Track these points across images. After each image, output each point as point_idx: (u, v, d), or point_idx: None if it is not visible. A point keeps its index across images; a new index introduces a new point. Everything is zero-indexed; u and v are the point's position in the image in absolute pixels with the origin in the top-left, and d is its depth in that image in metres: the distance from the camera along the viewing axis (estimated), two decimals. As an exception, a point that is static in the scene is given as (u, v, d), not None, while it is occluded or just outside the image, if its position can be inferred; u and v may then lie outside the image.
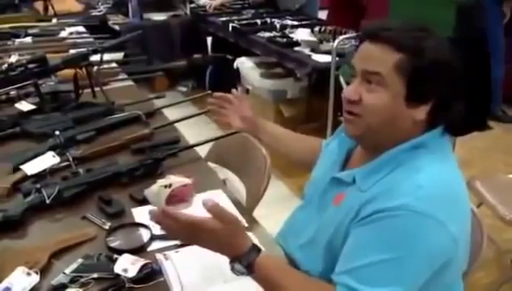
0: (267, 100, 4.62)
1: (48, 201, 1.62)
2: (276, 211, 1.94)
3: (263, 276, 1.20)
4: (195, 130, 2.62)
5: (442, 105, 1.21)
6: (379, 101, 1.19)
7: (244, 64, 4.81)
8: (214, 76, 5.76)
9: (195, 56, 5.78)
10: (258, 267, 1.19)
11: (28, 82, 2.34)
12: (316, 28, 4.22)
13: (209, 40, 5.87)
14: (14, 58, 2.97)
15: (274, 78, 4.51)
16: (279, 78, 4.50)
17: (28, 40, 3.92)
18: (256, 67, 4.69)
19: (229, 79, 5.40)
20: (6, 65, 2.35)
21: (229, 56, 5.56)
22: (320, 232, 1.34)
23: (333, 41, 3.86)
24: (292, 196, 3.28)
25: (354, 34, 3.94)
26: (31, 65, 2.34)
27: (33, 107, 2.45)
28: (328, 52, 3.86)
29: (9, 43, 3.77)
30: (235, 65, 4.91)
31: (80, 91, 2.49)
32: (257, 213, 2.04)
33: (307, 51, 4.01)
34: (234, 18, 5.23)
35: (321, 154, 1.65)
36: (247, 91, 5.08)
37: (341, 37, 3.81)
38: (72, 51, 3.59)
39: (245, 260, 1.19)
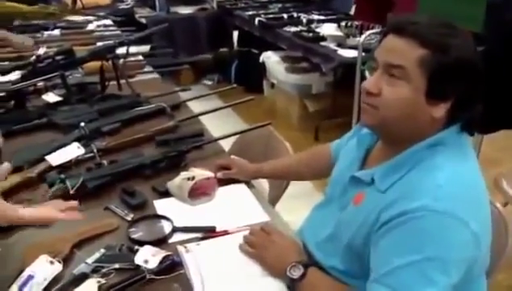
0: (292, 95, 4.62)
1: (71, 192, 1.63)
2: (299, 206, 1.93)
3: (314, 280, 1.29)
4: (219, 123, 2.62)
5: (462, 104, 1.19)
6: (399, 95, 1.17)
7: (270, 58, 4.81)
8: (239, 70, 5.77)
9: (221, 49, 5.80)
10: (311, 273, 1.30)
11: (55, 74, 2.36)
12: (343, 23, 4.19)
13: (235, 33, 5.88)
14: (42, 50, 3.01)
15: (299, 72, 4.49)
16: (304, 72, 4.49)
17: (57, 32, 3.96)
18: (281, 61, 4.69)
19: (255, 73, 5.41)
20: (34, 57, 2.37)
21: (255, 51, 5.56)
22: (340, 231, 1.33)
23: (360, 36, 3.83)
24: (315, 191, 3.27)
25: (380, 29, 3.90)
26: (58, 57, 2.36)
27: (59, 98, 2.48)
28: (354, 47, 3.83)
29: (38, 35, 3.81)
30: (261, 59, 4.90)
31: (106, 83, 2.51)
32: (279, 207, 2.04)
33: (333, 46, 3.99)
34: (261, 12, 5.23)
35: (334, 156, 1.65)
36: (272, 85, 5.09)
37: (367, 32, 3.78)
38: (99, 44, 3.62)
39: (302, 265, 1.31)
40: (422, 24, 1.18)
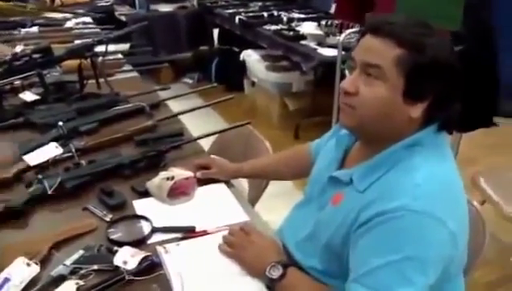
0: (272, 93, 4.62)
1: (49, 192, 1.62)
2: (278, 205, 1.93)
3: (294, 281, 1.30)
4: (199, 122, 2.61)
5: (439, 104, 1.20)
6: (376, 94, 1.18)
7: (250, 56, 4.81)
8: (220, 68, 5.76)
9: (201, 48, 5.78)
10: (290, 273, 1.31)
11: (32, 73, 2.33)
12: (323, 22, 4.21)
13: (215, 31, 5.87)
14: (19, 48, 2.98)
15: (279, 71, 4.50)
16: (284, 71, 4.50)
17: (34, 29, 3.92)
18: (262, 60, 4.69)
19: (235, 72, 5.40)
20: (10, 55, 2.34)
21: (235, 49, 5.56)
22: (319, 230, 1.34)
23: (340, 35, 3.85)
24: (295, 189, 3.28)
25: (360, 28, 3.92)
26: (35, 55, 2.34)
27: (37, 97, 2.44)
28: (334, 46, 3.85)
29: (15, 32, 3.76)
30: (241, 57, 4.90)
31: (84, 82, 2.49)
32: (259, 207, 2.04)
33: (313, 44, 4.00)
34: (241, 10, 5.22)
35: (314, 155, 1.66)
36: (253, 84, 5.09)
37: (347, 31, 3.80)
38: (77, 41, 3.59)
39: (281, 265, 1.31)
40: (399, 24, 1.19)
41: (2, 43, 3.26)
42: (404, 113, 1.19)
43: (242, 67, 5.09)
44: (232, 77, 5.51)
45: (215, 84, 3.03)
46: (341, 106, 1.26)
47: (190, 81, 5.70)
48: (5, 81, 2.31)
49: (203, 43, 5.75)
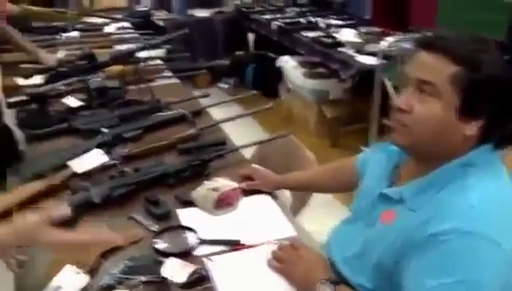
0: (309, 100, 4.60)
1: (96, 201, 1.62)
2: (319, 215, 1.92)
3: None
4: (237, 128, 2.60)
5: (495, 121, 1.16)
6: (431, 112, 1.15)
7: (287, 63, 4.79)
8: (256, 73, 5.76)
9: (238, 53, 5.79)
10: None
11: (77, 78, 2.36)
12: (362, 29, 4.17)
13: (251, 37, 5.87)
14: (61, 53, 3.02)
15: (316, 78, 4.48)
16: (321, 78, 4.47)
17: (75, 34, 3.97)
18: (299, 66, 4.67)
19: (271, 77, 5.40)
20: (55, 62, 2.38)
21: (271, 54, 5.55)
22: (368, 248, 1.31)
23: (379, 43, 3.81)
24: (335, 200, 3.25)
25: (401, 36, 3.87)
26: (79, 62, 2.36)
27: (80, 103, 2.47)
28: (373, 54, 3.81)
29: (56, 37, 3.82)
30: (278, 63, 4.88)
31: (126, 88, 2.51)
32: (300, 217, 2.03)
33: (351, 52, 3.96)
34: (278, 16, 5.22)
35: (361, 170, 1.63)
36: (289, 90, 5.08)
37: (387, 39, 3.76)
38: (117, 46, 3.63)
39: (331, 283, 1.29)
40: (453, 40, 1.16)
41: (45, 48, 3.30)
42: (458, 131, 1.16)
43: (278, 73, 5.08)
44: (268, 82, 5.50)
45: (254, 92, 3.00)
46: (393, 124, 1.24)
47: (226, 86, 5.71)
48: (50, 87, 2.34)
49: (239, 48, 5.75)
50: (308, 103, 4.64)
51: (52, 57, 2.72)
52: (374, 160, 1.53)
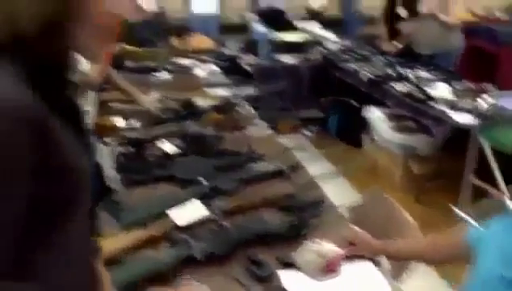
0: (396, 154, 4.49)
1: (198, 257, 1.60)
2: (417, 283, 1.82)
3: None
4: (333, 185, 2.55)
5: None
6: None
7: (374, 114, 4.72)
8: (339, 121, 5.70)
9: (322, 99, 5.75)
10: None
11: (175, 125, 2.38)
12: (457, 86, 4.05)
13: (337, 84, 5.82)
14: (154, 95, 3.08)
15: (405, 132, 4.37)
16: (410, 132, 4.36)
17: (166, 75, 4.06)
18: (386, 119, 4.58)
19: (355, 126, 5.33)
20: (158, 108, 2.41)
21: (354, 103, 5.49)
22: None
23: (474, 100, 3.69)
24: (432, 271, 3.09)
25: (496, 94, 3.74)
26: (179, 108, 2.39)
27: (175, 148, 2.49)
28: (467, 111, 3.68)
29: (148, 77, 3.92)
30: (364, 114, 4.81)
31: (221, 135, 2.52)
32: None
33: (444, 108, 3.83)
34: (365, 66, 5.16)
35: (473, 246, 1.53)
36: (372, 140, 4.99)
37: (483, 96, 3.63)
38: (207, 89, 3.68)
39: None
40: None
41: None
42: None
43: (362, 122, 5.01)
44: (352, 131, 5.44)
45: (339, 142, 2.91)
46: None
47: (309, 133, 5.66)
48: (148, 131, 2.37)
49: (323, 95, 5.72)
50: (394, 156, 4.53)
51: (150, 100, 2.77)
52: (495, 240, 1.43)
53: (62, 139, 0.92)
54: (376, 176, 4.67)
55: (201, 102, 2.52)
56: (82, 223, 1.02)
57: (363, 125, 5.05)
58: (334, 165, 4.55)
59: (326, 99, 5.80)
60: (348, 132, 5.46)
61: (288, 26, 7.81)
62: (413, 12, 5.41)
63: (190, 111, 2.41)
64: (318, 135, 5.63)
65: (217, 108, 2.46)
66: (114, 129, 2.62)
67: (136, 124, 2.60)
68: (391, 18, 5.96)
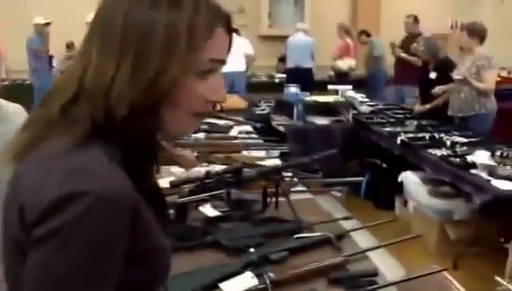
0: (431, 218, 4.42)
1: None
2: None
3: None
4: (375, 253, 2.49)
5: None
6: None
7: (409, 178, 4.67)
8: (369, 183, 5.67)
9: (353, 161, 5.74)
10: None
11: (221, 191, 2.36)
12: (498, 152, 4.01)
13: (367, 146, 5.82)
14: (192, 154, 3.08)
15: (442, 197, 4.31)
16: (447, 197, 4.30)
17: (201, 135, 4.08)
18: (422, 184, 4.53)
19: (385, 189, 5.29)
20: (203, 172, 2.41)
21: (385, 165, 5.47)
22: None
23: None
24: None
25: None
26: (226, 175, 2.38)
27: (218, 213, 2.47)
28: (508, 178, 3.63)
29: (185, 137, 3.92)
30: (399, 178, 4.77)
31: (266, 201, 2.49)
32: None
33: (484, 175, 3.78)
34: (399, 129, 5.15)
35: None
36: (404, 204, 4.94)
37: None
38: (244, 152, 3.68)
39: None
40: None
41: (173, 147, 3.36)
42: None
43: (393, 185, 4.96)
44: (382, 194, 5.39)
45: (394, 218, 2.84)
46: None
47: (339, 194, 5.63)
48: (195, 197, 2.36)
49: (354, 156, 5.70)
50: (429, 221, 4.46)
51: (195, 164, 2.77)
52: None
53: (149, 221, 0.92)
54: (411, 240, 4.58)
55: (246, 169, 2.50)
56: None
57: (395, 188, 5.01)
58: (370, 230, 4.48)
59: (356, 161, 5.79)
60: (378, 194, 5.42)
61: (315, 86, 7.92)
62: (445, 76, 5.45)
63: (238, 178, 2.39)
64: (348, 197, 5.59)
65: (264, 175, 2.44)
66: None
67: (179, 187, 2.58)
68: (423, 81, 6.03)
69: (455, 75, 5.21)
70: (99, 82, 0.88)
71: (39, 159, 0.86)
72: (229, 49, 1.01)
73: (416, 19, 7.94)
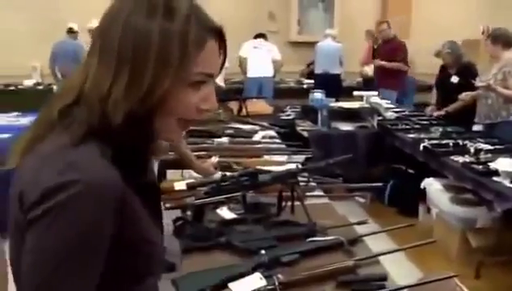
0: (453, 226, 4.39)
1: (259, 332, 1.59)
2: None
3: None
4: (390, 261, 2.50)
5: None
6: None
7: (431, 185, 4.65)
8: (393, 190, 5.65)
9: (377, 167, 5.72)
10: None
11: (237, 194, 2.41)
12: (519, 158, 3.98)
13: (392, 152, 5.80)
14: (214, 159, 3.13)
15: (464, 204, 4.28)
16: (469, 205, 4.27)
17: (225, 140, 4.12)
18: (445, 190, 4.50)
19: (409, 195, 5.27)
20: (219, 175, 2.46)
21: (410, 171, 5.44)
22: None
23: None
24: None
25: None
26: (242, 178, 2.42)
27: (234, 216, 2.51)
28: (531, 186, 3.60)
29: (208, 142, 3.99)
30: (422, 185, 4.75)
31: (281, 205, 2.52)
32: None
33: (507, 182, 3.75)
34: (423, 135, 5.13)
35: None
36: (428, 210, 4.92)
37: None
38: (266, 157, 3.71)
39: None
40: None
41: (197, 152, 3.41)
42: None
43: (417, 191, 4.94)
44: (406, 200, 5.37)
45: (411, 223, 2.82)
46: None
47: (363, 200, 5.62)
48: (211, 199, 2.41)
49: (378, 163, 5.69)
50: (451, 228, 4.43)
51: (211, 169, 2.83)
52: None
53: (137, 212, 1.00)
54: (432, 247, 4.55)
55: (263, 173, 2.54)
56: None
57: (419, 195, 4.99)
58: (390, 236, 4.47)
59: (381, 167, 5.77)
60: (402, 200, 5.41)
61: (343, 92, 7.92)
62: (467, 81, 5.44)
63: (253, 182, 2.43)
64: (372, 203, 5.58)
65: (279, 178, 2.48)
66: (173, 194, 2.66)
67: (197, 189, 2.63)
68: (443, 85, 6.05)
69: (478, 82, 5.18)
70: (97, 91, 0.96)
71: (39, 155, 0.96)
72: (223, 62, 1.09)
73: (389, 25, 8.16)
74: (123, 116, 0.95)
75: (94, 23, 8.20)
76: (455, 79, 5.82)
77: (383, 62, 7.88)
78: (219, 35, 1.04)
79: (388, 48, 7.99)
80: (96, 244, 0.92)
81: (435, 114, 6.05)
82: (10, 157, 1.02)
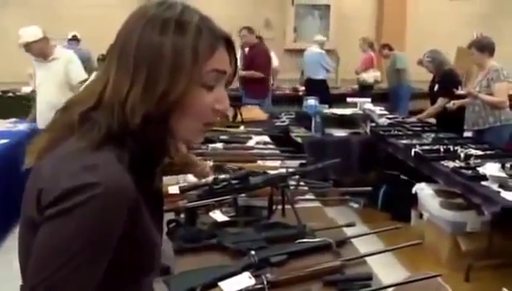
0: (443, 230, 4.46)
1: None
2: None
3: None
4: (380, 263, 2.56)
5: None
6: None
7: (423, 190, 4.72)
8: (386, 195, 5.72)
9: (370, 172, 5.79)
10: None
11: (229, 197, 2.47)
12: (508, 164, 4.04)
13: (385, 158, 5.87)
14: (210, 163, 3.20)
15: (454, 208, 4.35)
16: (459, 209, 4.34)
17: (219, 145, 4.18)
18: (435, 195, 4.57)
19: (402, 200, 5.33)
20: (211, 179, 2.52)
21: (404, 177, 5.50)
22: None
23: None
24: None
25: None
26: (233, 181, 2.48)
27: (227, 218, 2.57)
28: (518, 190, 3.67)
29: (203, 147, 4.04)
30: (413, 190, 4.82)
31: (272, 207, 2.59)
32: None
33: (495, 187, 3.83)
34: (415, 141, 5.21)
35: None
36: (420, 216, 4.98)
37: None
38: (260, 162, 3.77)
39: None
40: None
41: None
42: None
43: (410, 197, 5.01)
44: (399, 205, 5.44)
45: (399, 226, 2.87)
46: None
47: (356, 205, 5.67)
48: (203, 202, 2.47)
49: (372, 168, 5.76)
50: (441, 232, 4.50)
51: (207, 171, 2.89)
52: None
53: (145, 217, 1.08)
54: (423, 251, 4.63)
55: (255, 176, 2.60)
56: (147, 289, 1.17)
57: (412, 200, 5.06)
58: (381, 239, 4.53)
59: (374, 173, 5.84)
60: (395, 205, 5.47)
61: (338, 99, 7.99)
62: (446, 89, 5.65)
63: (245, 185, 2.50)
64: (365, 208, 5.64)
65: (270, 182, 2.54)
66: (167, 197, 2.72)
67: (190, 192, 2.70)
68: (430, 93, 6.23)
69: (460, 90, 5.38)
70: (116, 97, 1.04)
71: (59, 155, 1.03)
72: (235, 65, 1.18)
73: (250, 30, 7.78)
74: (141, 118, 1.02)
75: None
76: (436, 87, 6.03)
77: (243, 72, 7.63)
78: (227, 42, 1.13)
79: (250, 55, 7.80)
80: (106, 245, 0.99)
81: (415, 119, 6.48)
82: (27, 157, 1.09)
